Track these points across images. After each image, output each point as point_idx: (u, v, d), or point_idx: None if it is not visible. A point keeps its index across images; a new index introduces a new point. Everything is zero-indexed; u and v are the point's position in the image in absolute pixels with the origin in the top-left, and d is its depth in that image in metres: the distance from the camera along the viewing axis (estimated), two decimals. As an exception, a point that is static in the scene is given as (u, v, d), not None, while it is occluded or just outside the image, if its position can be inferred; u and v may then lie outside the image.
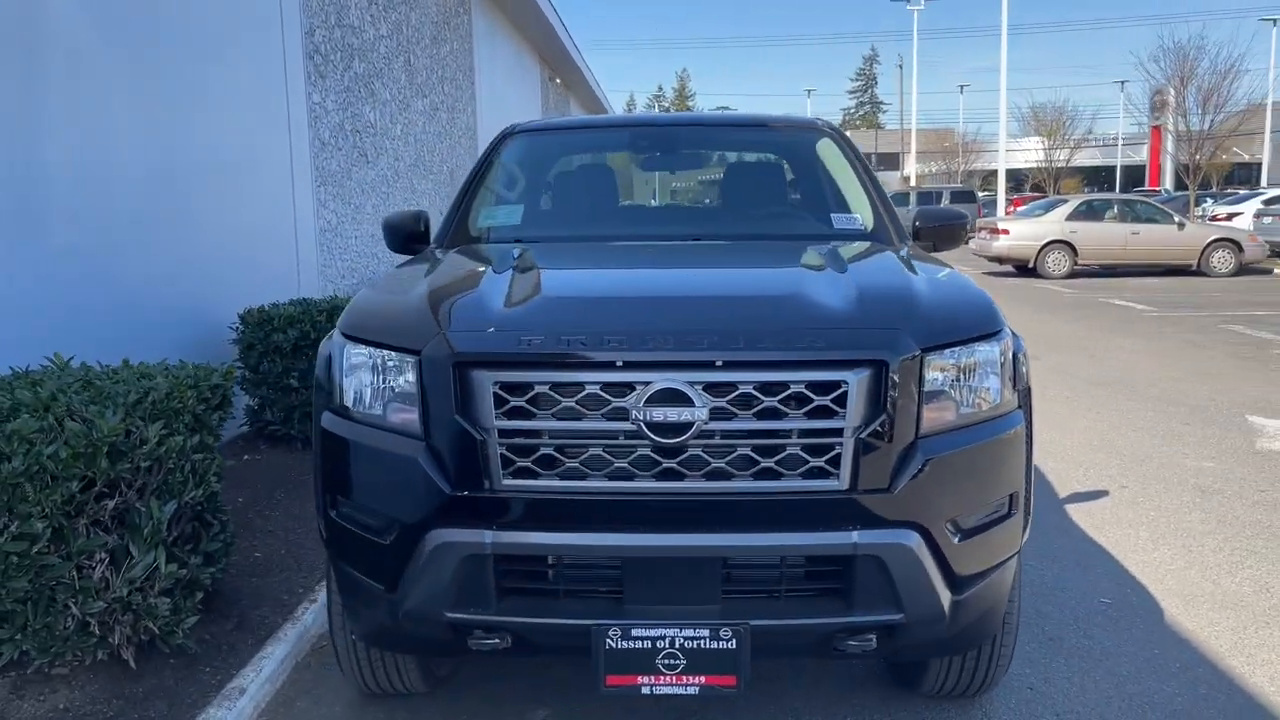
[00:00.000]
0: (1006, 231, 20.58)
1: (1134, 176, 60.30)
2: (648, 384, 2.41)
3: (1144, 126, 54.37)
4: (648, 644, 2.45)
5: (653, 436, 2.40)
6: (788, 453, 2.45)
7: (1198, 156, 34.09)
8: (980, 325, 2.70)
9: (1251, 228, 22.41)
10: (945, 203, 33.39)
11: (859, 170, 4.17)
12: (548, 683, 3.37)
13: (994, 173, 44.52)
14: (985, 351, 2.66)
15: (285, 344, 5.81)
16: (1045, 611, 3.94)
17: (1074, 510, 5.25)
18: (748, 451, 2.44)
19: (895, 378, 2.46)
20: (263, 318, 5.91)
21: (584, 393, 2.43)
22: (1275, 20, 48.85)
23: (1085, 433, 6.95)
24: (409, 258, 3.89)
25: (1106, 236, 20.12)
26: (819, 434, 2.44)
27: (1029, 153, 59.60)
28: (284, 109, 7.44)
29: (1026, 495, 2.78)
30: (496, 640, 2.58)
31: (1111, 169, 64.25)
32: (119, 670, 3.24)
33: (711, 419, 2.41)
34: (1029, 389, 2.86)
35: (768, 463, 2.44)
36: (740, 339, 2.46)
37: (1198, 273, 19.92)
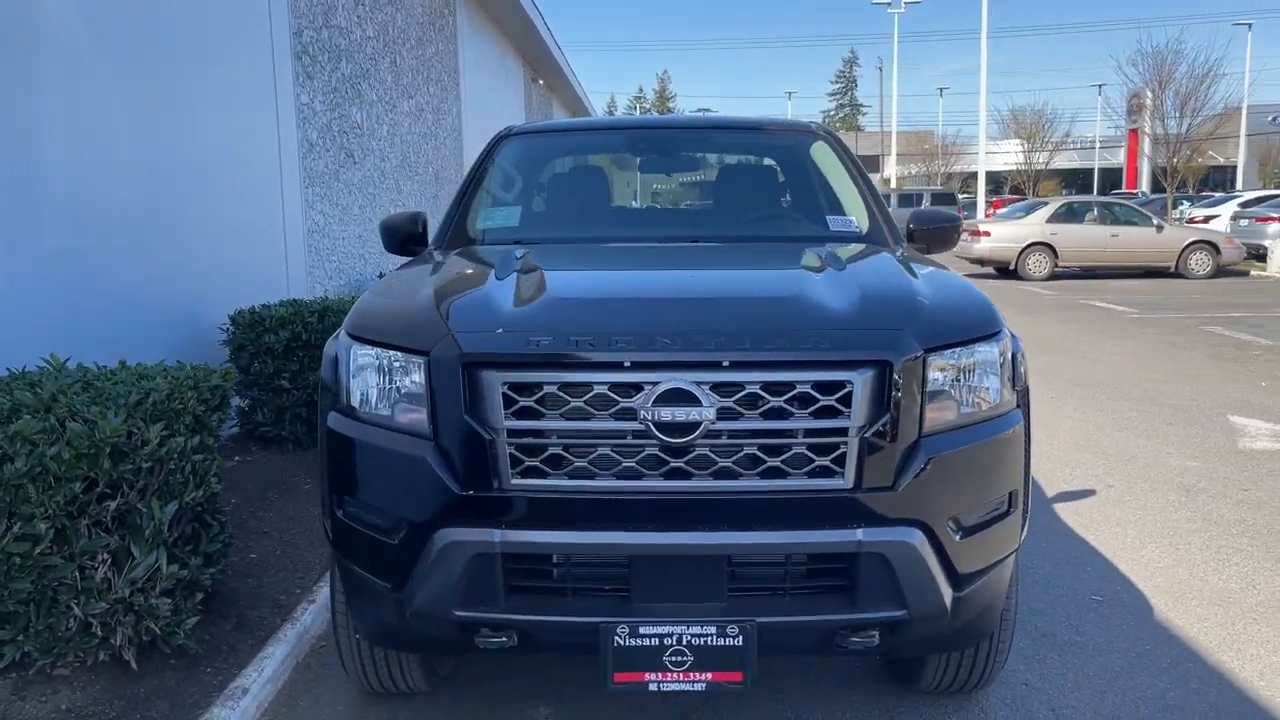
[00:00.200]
0: (988, 234, 20.73)
1: (1111, 179, 60.82)
2: (655, 384, 2.43)
3: (1121, 130, 54.96)
4: (655, 641, 2.48)
5: (661, 436, 2.43)
6: (793, 452, 2.48)
7: (1175, 159, 34.43)
8: (980, 326, 2.75)
9: (1228, 230, 22.67)
10: (926, 204, 33.55)
11: (853, 173, 4.22)
12: (549, 681, 3.39)
13: (973, 175, 44.80)
14: (985, 352, 2.70)
15: (277, 345, 5.80)
16: (1038, 608, 3.99)
17: (1062, 509, 5.32)
18: (754, 451, 2.47)
19: (898, 378, 2.49)
20: (254, 319, 5.89)
21: (592, 393, 2.46)
22: (1250, 25, 49.37)
23: (1071, 433, 7.03)
24: (408, 259, 3.90)
25: (1087, 239, 20.31)
26: (824, 433, 2.47)
27: (1008, 155, 60.03)
28: (272, 110, 7.42)
29: (1025, 493, 2.82)
30: (503, 638, 2.60)
31: (1089, 171, 64.76)
32: (120, 671, 3.24)
33: (719, 419, 2.43)
34: (1027, 389, 2.91)
35: (774, 462, 2.47)
36: (747, 339, 2.49)
37: (1176, 275, 20.14)
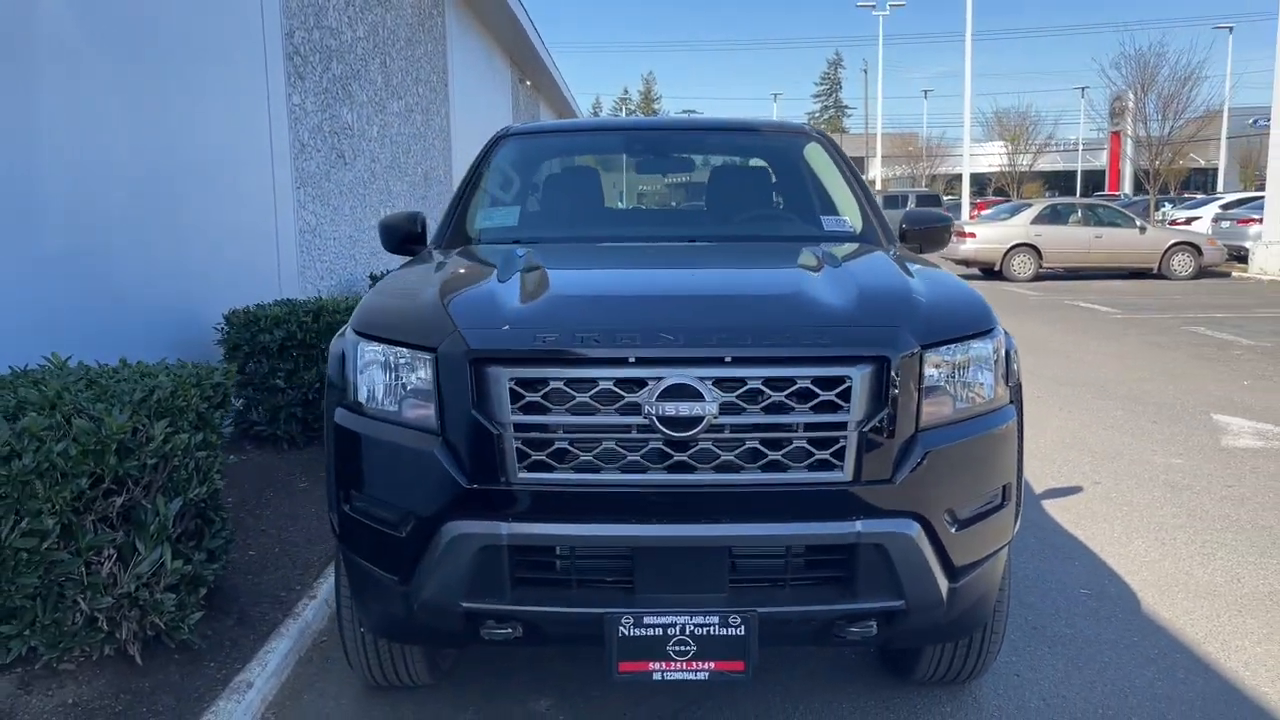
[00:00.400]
0: (973, 235, 20.88)
1: (1094, 181, 61.26)
2: (659, 379, 2.48)
3: (1104, 132, 55.32)
4: (659, 631, 2.53)
5: (664, 430, 2.48)
6: (793, 446, 2.54)
7: (1157, 162, 34.70)
8: (975, 323, 2.81)
9: (1210, 231, 22.93)
10: (911, 206, 33.69)
11: (846, 174, 4.28)
12: (549, 675, 3.44)
13: (957, 177, 45.03)
14: (980, 348, 2.77)
15: (272, 344, 5.82)
16: (1029, 602, 4.06)
17: (1051, 506, 5.40)
18: (755, 444, 2.53)
19: (896, 374, 2.56)
20: (249, 318, 5.91)
21: (597, 388, 2.51)
22: (1231, 28, 49.86)
23: (1058, 431, 7.12)
24: (408, 259, 3.94)
25: (1071, 240, 20.49)
26: (824, 427, 2.53)
27: (992, 157, 60.36)
28: (265, 110, 7.44)
29: (1018, 487, 2.89)
30: (508, 630, 2.64)
31: (1072, 174, 65.19)
32: (125, 666, 3.27)
33: (721, 413, 2.49)
34: (1020, 385, 2.97)
35: (774, 455, 2.53)
36: (749, 336, 2.55)
37: (1159, 275, 20.32)
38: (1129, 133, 39.75)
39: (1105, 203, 23.90)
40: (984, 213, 26.91)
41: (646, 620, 2.53)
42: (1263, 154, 27.60)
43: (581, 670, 3.44)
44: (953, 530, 2.64)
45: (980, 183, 57.75)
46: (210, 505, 3.62)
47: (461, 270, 3.35)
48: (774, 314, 2.71)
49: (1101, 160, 59.79)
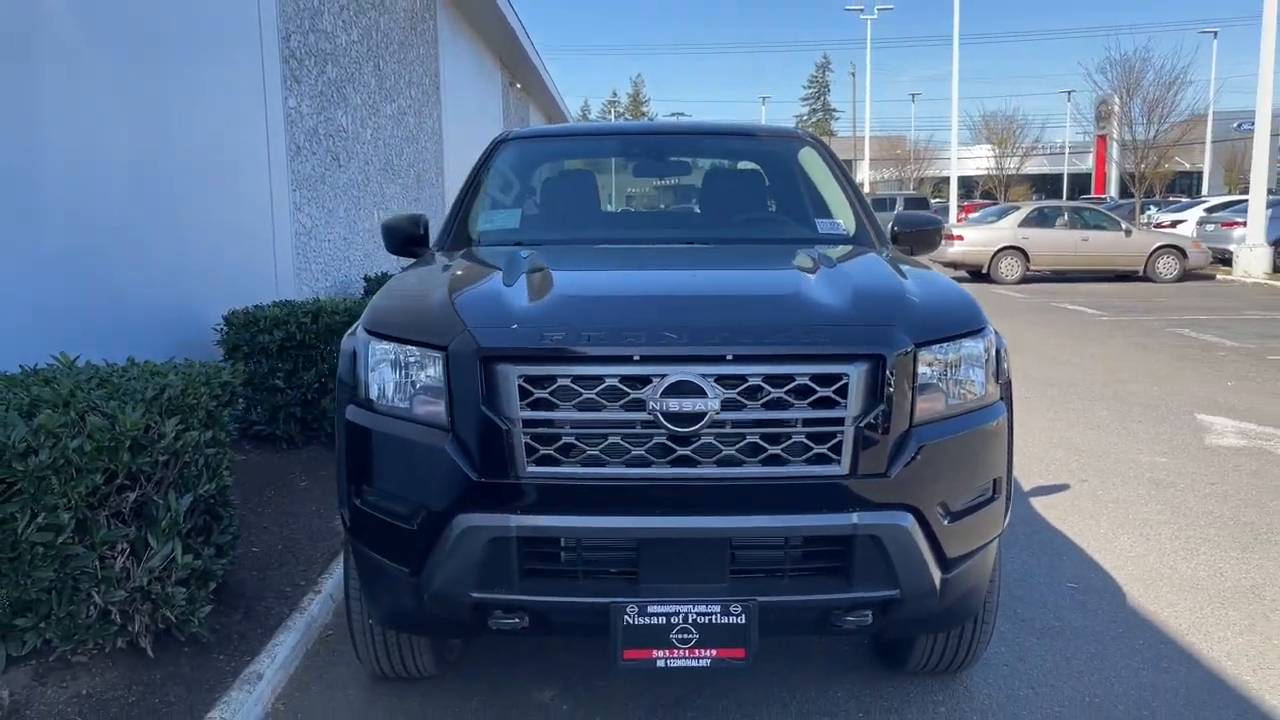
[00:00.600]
0: (961, 237, 21.06)
1: (1080, 184, 61.63)
2: (664, 376, 2.57)
3: (1090, 135, 55.72)
4: (663, 620, 2.62)
5: (668, 425, 2.57)
6: (792, 440, 2.63)
7: (1142, 165, 35.02)
8: (967, 323, 2.91)
9: (1194, 234, 23.17)
10: (899, 208, 33.91)
11: (840, 178, 4.38)
12: (554, 666, 3.53)
13: (945, 180, 45.34)
14: (971, 347, 2.87)
15: (271, 345, 5.88)
16: (1018, 595, 4.17)
17: (1038, 502, 5.51)
18: (755, 439, 2.62)
19: (891, 371, 2.65)
20: (248, 319, 5.98)
21: (603, 385, 2.59)
22: (1216, 33, 50.27)
23: (1045, 431, 7.24)
24: (412, 260, 4.02)
25: (1057, 243, 20.69)
26: (822, 423, 2.63)
27: (979, 160, 60.71)
28: (262, 113, 7.51)
29: (1008, 481, 2.99)
30: (516, 620, 2.73)
31: (1058, 177, 65.56)
32: (136, 658, 3.34)
33: (723, 409, 2.58)
34: (1010, 382, 3.08)
35: (774, 450, 2.62)
36: (749, 334, 2.64)
37: (1144, 278, 20.53)
38: (1115, 136, 40.15)
39: (1092, 206, 24.14)
40: (971, 215, 27.12)
41: (650, 609, 2.62)
42: (1247, 158, 27.83)
43: (585, 661, 3.52)
44: (945, 522, 2.74)
45: (968, 186, 58.05)
46: (219, 501, 3.69)
47: (468, 272, 3.43)
48: (774, 314, 2.81)
49: (1088, 163, 60.19)
